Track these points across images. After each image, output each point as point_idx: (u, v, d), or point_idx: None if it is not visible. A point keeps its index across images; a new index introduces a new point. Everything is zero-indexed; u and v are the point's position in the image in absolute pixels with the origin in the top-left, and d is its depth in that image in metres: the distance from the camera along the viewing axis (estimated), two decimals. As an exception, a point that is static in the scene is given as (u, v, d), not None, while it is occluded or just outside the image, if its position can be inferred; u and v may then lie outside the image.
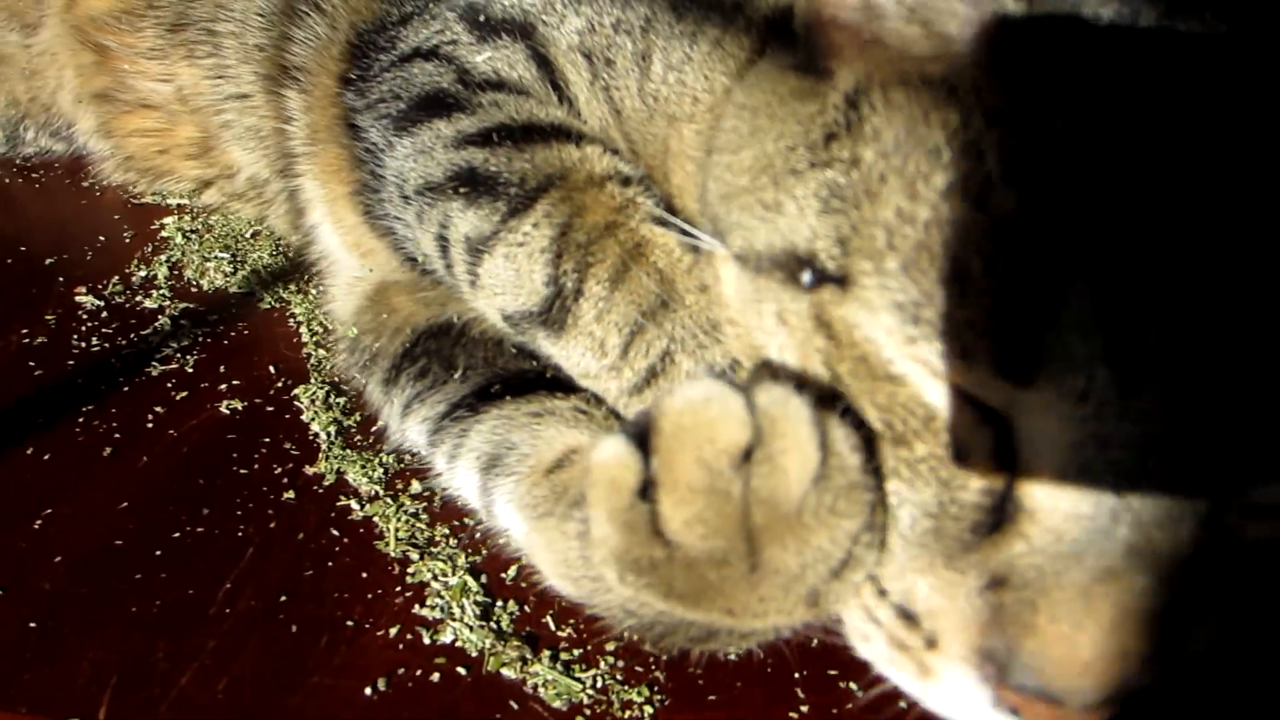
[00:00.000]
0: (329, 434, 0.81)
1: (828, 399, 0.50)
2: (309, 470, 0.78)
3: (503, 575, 0.69)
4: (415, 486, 0.76)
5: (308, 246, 0.99)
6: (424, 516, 0.74)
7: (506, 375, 0.73)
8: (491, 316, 0.72)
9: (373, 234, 0.84)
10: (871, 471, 0.49)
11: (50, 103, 1.22)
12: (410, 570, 0.69)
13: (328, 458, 0.79)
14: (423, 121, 0.74)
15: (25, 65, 1.23)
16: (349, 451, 0.80)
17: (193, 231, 1.09)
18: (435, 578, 0.68)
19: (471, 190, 0.69)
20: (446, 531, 0.73)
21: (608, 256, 0.64)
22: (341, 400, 0.85)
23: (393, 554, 0.70)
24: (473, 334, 0.77)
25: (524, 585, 0.69)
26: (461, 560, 0.70)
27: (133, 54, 1.09)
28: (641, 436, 0.50)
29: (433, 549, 0.71)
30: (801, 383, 0.51)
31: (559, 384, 0.70)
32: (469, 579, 0.68)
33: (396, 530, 0.72)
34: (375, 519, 0.73)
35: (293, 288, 1.00)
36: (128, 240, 1.08)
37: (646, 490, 0.50)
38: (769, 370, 0.55)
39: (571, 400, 0.70)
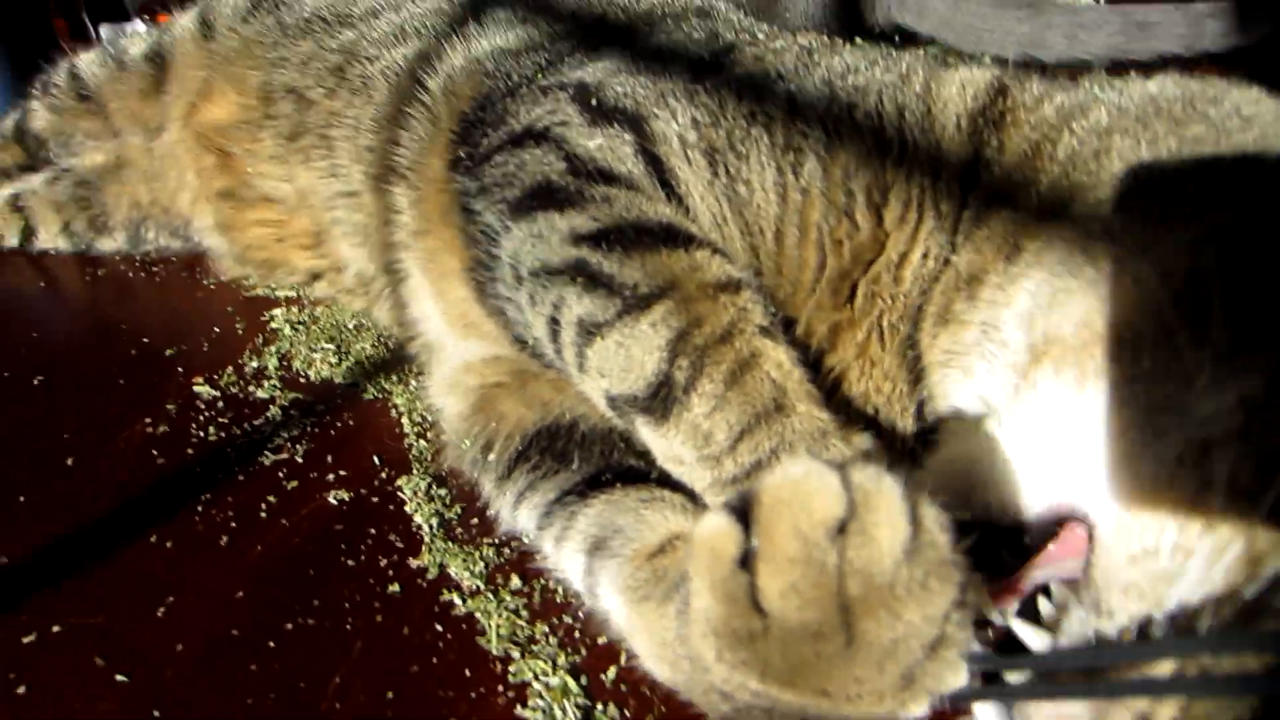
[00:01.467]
0: (431, 526, 0.84)
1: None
2: (413, 563, 0.80)
3: (602, 676, 0.70)
4: (515, 582, 0.78)
5: (409, 339, 1.03)
6: (524, 613, 0.75)
7: (618, 468, 0.75)
8: (594, 397, 0.74)
9: (481, 310, 0.87)
10: (962, 553, 0.50)
11: (170, 204, 1.30)
12: (512, 669, 0.70)
13: (431, 550, 0.81)
14: (537, 210, 0.77)
15: (147, 168, 1.32)
16: (451, 545, 0.82)
17: (300, 323, 1.14)
18: (536, 677, 0.69)
19: (587, 282, 0.71)
20: (547, 629, 0.74)
21: (723, 360, 0.66)
22: (443, 493, 0.88)
23: (495, 651, 0.72)
24: (583, 430, 0.79)
25: (623, 689, 0.69)
26: (562, 660, 0.71)
27: (254, 158, 1.16)
28: (743, 511, 0.52)
29: (533, 647, 0.72)
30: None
31: (667, 479, 0.71)
32: (569, 680, 0.69)
33: (498, 627, 0.74)
34: (477, 614, 0.75)
35: (394, 379, 1.04)
36: (240, 332, 1.14)
37: (746, 561, 0.51)
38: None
39: (679, 494, 0.72)
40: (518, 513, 0.81)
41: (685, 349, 0.67)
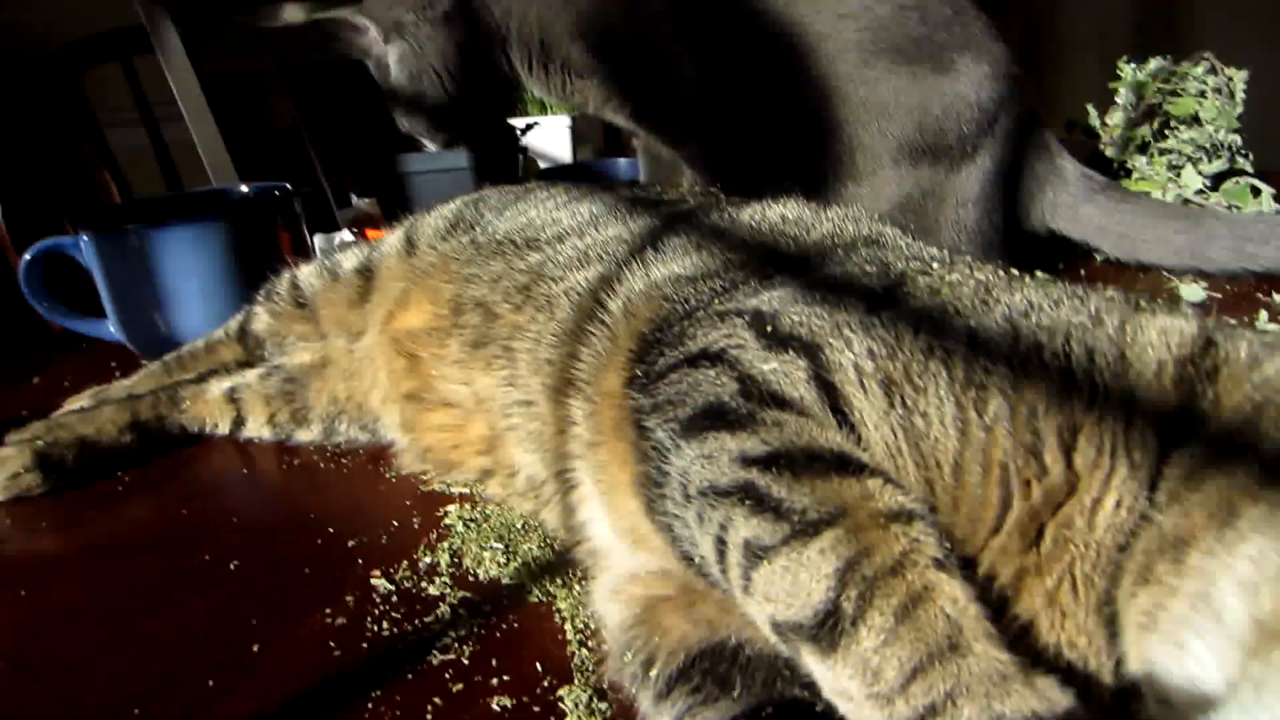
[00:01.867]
0: (592, 742, 0.83)
1: None
2: (571, 781, 0.80)
3: None
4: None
5: (576, 544, 1.06)
6: None
7: (780, 701, 0.73)
8: (759, 621, 0.73)
9: (649, 525, 0.88)
10: None
11: (363, 401, 1.41)
12: None
13: (590, 768, 0.80)
14: (708, 431, 0.79)
15: (346, 367, 1.44)
16: (610, 764, 0.81)
17: (472, 520, 1.19)
18: None
19: (755, 504, 0.72)
20: None
21: (894, 593, 0.65)
22: (604, 707, 0.88)
23: None
24: (748, 655, 0.78)
25: None
26: None
27: (439, 363, 1.26)
28: None
29: None
30: None
31: (833, 716, 0.69)
32: None
33: None
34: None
35: (559, 582, 1.06)
36: (416, 526, 1.20)
37: None
38: None
39: None
40: None
41: (854, 579, 0.66)
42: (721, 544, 0.74)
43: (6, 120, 2.56)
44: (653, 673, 0.84)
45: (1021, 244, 1.88)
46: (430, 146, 2.11)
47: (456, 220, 1.41)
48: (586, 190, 1.40)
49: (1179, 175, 2.15)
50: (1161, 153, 2.19)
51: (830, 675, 0.66)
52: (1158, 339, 0.74)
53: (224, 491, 1.37)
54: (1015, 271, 0.92)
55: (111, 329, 1.81)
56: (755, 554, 0.70)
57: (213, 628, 1.01)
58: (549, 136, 2.56)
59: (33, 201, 2.69)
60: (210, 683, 0.92)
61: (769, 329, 0.84)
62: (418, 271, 1.37)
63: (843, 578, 0.66)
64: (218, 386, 1.50)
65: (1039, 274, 0.92)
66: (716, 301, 0.94)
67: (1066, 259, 1.89)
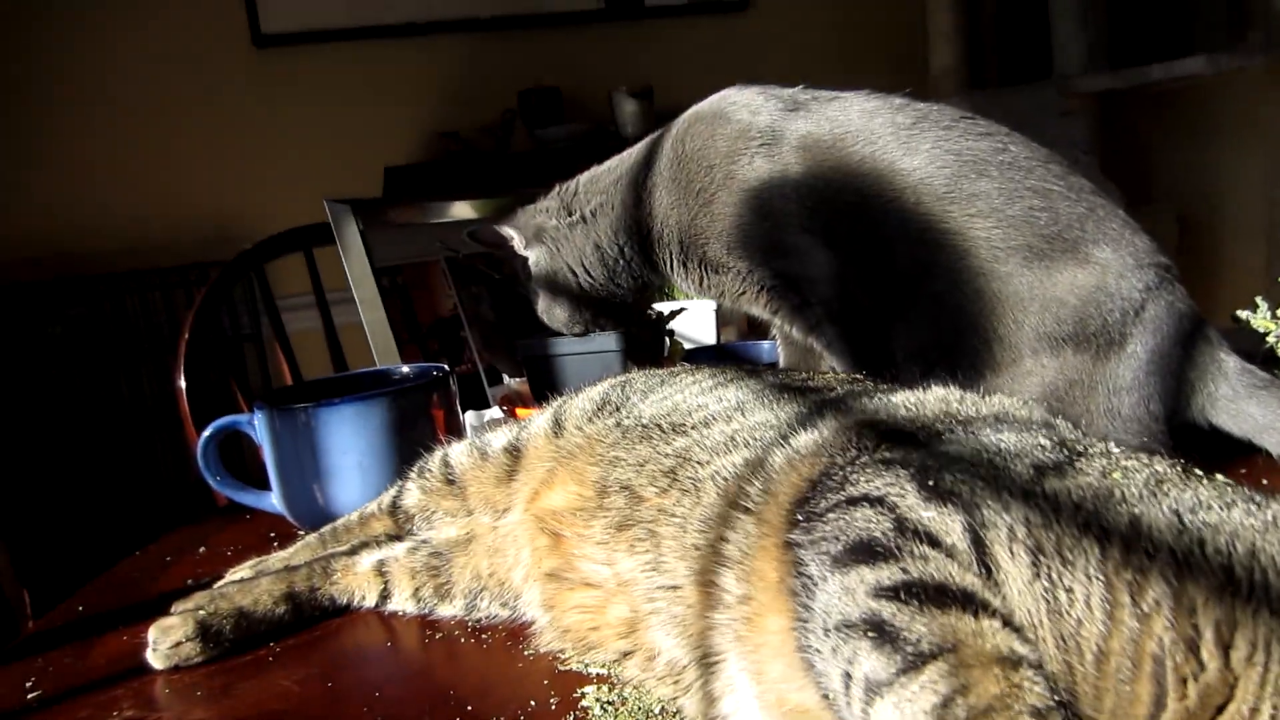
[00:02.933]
0: None
1: None
2: None
3: None
4: None
5: (715, 734, 1.03)
6: None
7: None
8: None
9: (799, 686, 0.86)
10: None
11: (505, 578, 1.44)
12: None
13: None
14: (853, 565, 0.80)
15: (490, 544, 1.48)
16: None
17: (609, 703, 1.17)
18: None
19: (879, 637, 0.71)
20: None
21: None
22: None
23: None
24: None
25: None
26: None
27: (583, 543, 1.28)
28: None
29: None
30: None
31: None
32: None
33: None
34: None
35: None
36: (553, 707, 1.19)
37: None
38: None
39: None
40: None
41: (948, 717, 0.64)
42: (848, 678, 0.73)
43: (202, 307, 2.85)
44: None
45: (1187, 436, 1.80)
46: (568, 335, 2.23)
47: (603, 402, 1.46)
48: (732, 375, 1.44)
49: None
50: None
51: None
52: None
53: (368, 664, 1.40)
54: (1198, 471, 0.89)
55: (274, 501, 1.92)
56: (871, 690, 0.69)
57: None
58: (695, 320, 2.67)
59: (211, 380, 2.94)
60: None
61: (931, 482, 0.84)
62: (564, 452, 1.42)
63: (939, 714, 0.64)
64: (368, 559, 1.56)
65: (1219, 477, 0.88)
66: (883, 448, 0.94)
67: (1237, 451, 1.79)
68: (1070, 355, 1.72)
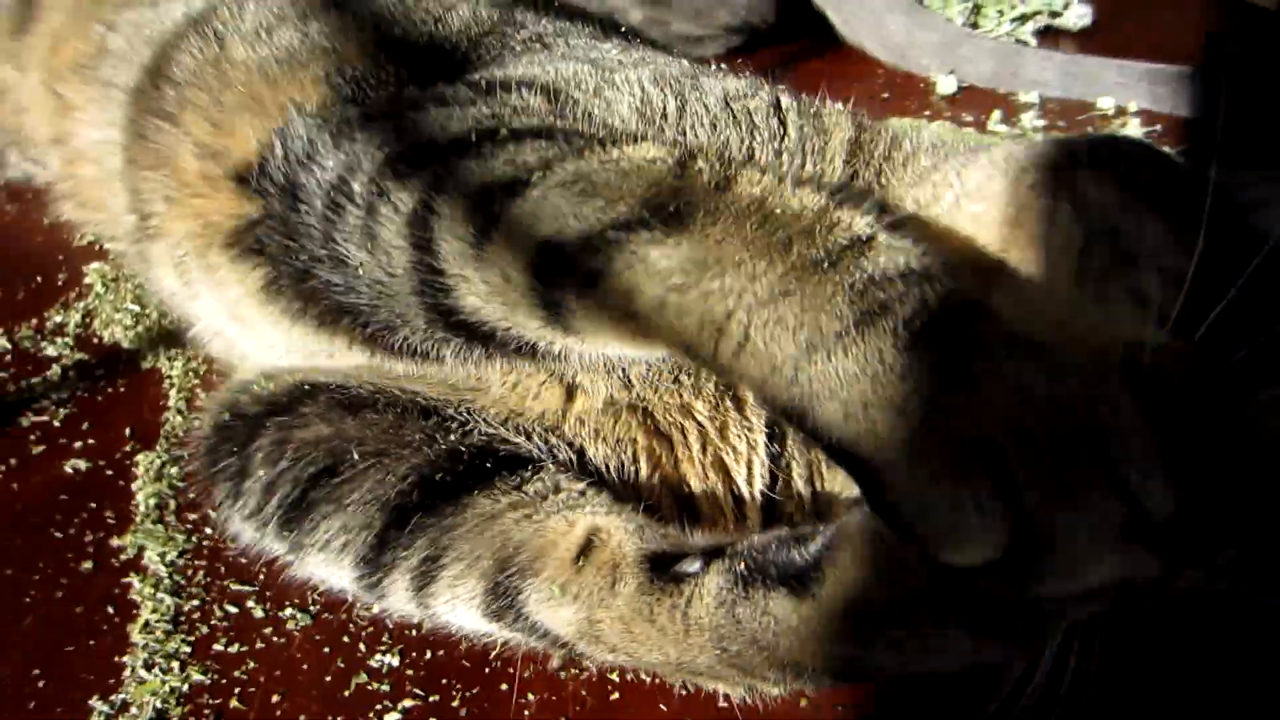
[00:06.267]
0: (148, 506, 0.89)
1: None
2: (114, 542, 0.86)
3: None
4: (201, 577, 0.83)
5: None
6: (186, 621, 0.79)
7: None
8: None
9: None
10: None
11: (30, 135, 1.33)
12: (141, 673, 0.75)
13: (136, 531, 0.86)
14: None
15: (15, 101, 1.35)
16: (157, 527, 0.87)
17: (114, 280, 1.18)
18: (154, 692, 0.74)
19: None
20: (194, 637, 0.78)
21: None
22: (175, 472, 0.93)
23: (139, 645, 0.77)
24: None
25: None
26: (193, 675, 0.75)
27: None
28: None
29: (169, 661, 0.76)
30: None
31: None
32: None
33: (156, 621, 0.79)
34: (144, 604, 0.80)
35: (174, 352, 1.07)
36: (60, 282, 1.18)
37: None
38: None
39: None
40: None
41: None
42: None
43: None
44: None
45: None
46: None
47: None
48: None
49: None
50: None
51: None
52: None
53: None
54: None
55: None
56: None
57: None
58: None
59: None
60: None
61: None
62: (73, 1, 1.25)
63: None
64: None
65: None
66: None
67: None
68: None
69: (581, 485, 0.71)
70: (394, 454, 0.73)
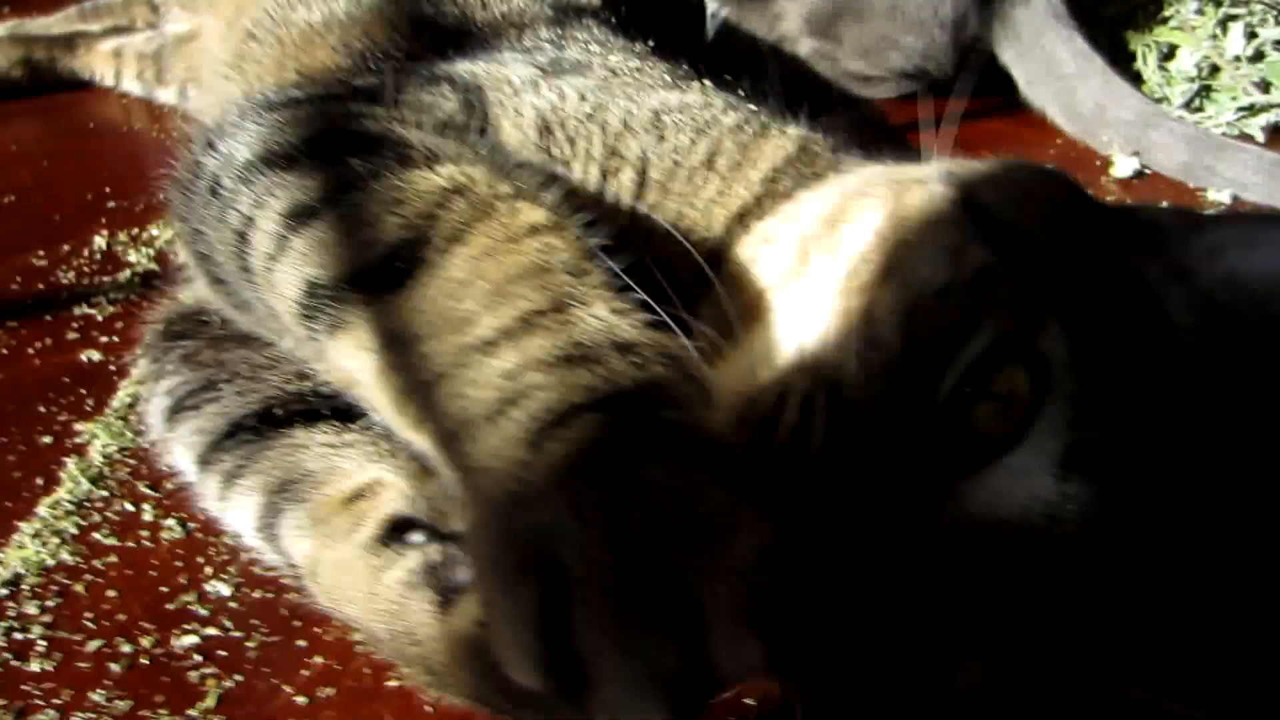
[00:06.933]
0: (120, 403, 0.98)
1: None
2: (77, 425, 0.95)
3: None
4: (123, 474, 0.90)
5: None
6: (99, 504, 0.87)
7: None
8: None
9: None
10: None
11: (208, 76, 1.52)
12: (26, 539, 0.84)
13: (97, 421, 0.95)
14: None
15: (202, 44, 1.54)
16: (117, 423, 0.95)
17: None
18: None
19: None
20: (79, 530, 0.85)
21: None
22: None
23: (42, 515, 0.85)
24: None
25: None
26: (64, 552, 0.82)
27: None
28: None
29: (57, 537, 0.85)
30: None
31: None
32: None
33: (72, 501, 0.87)
34: (66, 482, 0.89)
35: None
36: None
37: None
38: None
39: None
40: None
41: None
42: None
43: None
44: None
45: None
46: None
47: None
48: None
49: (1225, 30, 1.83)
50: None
51: None
52: None
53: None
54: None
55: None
56: None
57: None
58: None
59: None
60: None
61: None
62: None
63: None
64: (110, 42, 1.64)
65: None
66: None
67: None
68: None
69: (391, 445, 0.72)
70: (255, 386, 0.81)
